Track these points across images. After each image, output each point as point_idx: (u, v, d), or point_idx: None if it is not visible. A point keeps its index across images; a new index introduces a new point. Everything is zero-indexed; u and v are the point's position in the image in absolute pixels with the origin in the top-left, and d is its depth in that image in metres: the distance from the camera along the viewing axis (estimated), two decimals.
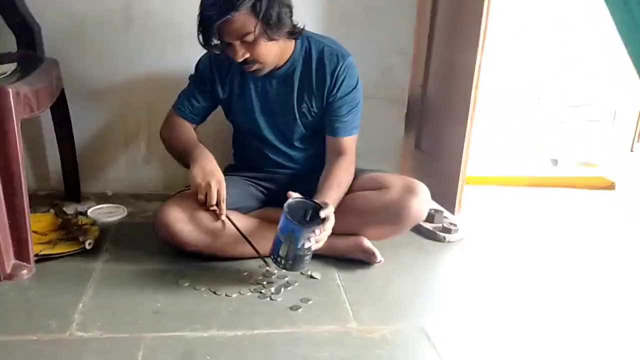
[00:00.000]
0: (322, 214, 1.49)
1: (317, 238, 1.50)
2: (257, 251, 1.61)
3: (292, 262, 1.53)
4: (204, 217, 1.61)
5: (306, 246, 1.50)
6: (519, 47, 6.45)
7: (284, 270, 1.57)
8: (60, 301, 1.45)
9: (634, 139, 2.46)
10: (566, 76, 6.28)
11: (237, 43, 1.50)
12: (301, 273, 1.63)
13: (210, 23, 1.47)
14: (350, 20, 2.13)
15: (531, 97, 6.03)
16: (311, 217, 1.51)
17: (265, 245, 1.59)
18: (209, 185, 1.55)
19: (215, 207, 1.58)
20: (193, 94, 1.76)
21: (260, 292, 1.54)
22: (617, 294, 1.67)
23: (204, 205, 1.58)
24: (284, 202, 1.51)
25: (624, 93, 2.52)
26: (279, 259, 1.53)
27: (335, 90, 1.68)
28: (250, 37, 1.49)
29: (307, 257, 1.54)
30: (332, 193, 1.62)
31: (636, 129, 2.44)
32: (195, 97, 1.75)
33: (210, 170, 1.58)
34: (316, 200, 1.55)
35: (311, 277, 1.63)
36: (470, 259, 1.86)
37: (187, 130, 1.75)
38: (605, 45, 6.02)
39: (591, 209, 2.42)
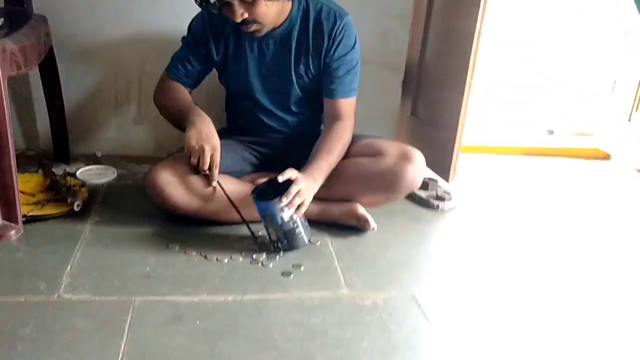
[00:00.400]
0: (280, 178, 1.47)
1: (291, 204, 1.47)
2: (244, 220, 1.59)
3: (287, 240, 1.52)
4: (195, 181, 1.58)
5: (286, 218, 1.48)
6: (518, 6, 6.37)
7: (288, 251, 1.55)
8: (49, 263, 1.43)
9: (632, 109, 2.43)
10: (564, 46, 6.24)
11: (236, 2, 1.46)
12: (309, 242, 1.61)
13: None
14: None
15: (530, 60, 5.99)
16: (282, 191, 1.49)
17: (256, 211, 1.58)
18: (202, 149, 1.52)
19: (207, 172, 1.55)
20: (186, 57, 1.71)
21: (252, 257, 1.53)
22: (609, 266, 1.67)
23: (196, 169, 1.56)
24: (278, 166, 1.50)
25: (623, 63, 2.48)
26: (275, 243, 1.53)
27: (332, 50, 1.64)
28: None
29: (299, 229, 1.52)
30: (320, 161, 1.60)
31: (635, 98, 2.41)
32: (188, 60, 1.70)
33: (206, 134, 1.55)
34: (279, 176, 1.51)
35: (309, 242, 1.61)
36: (463, 228, 1.85)
37: (182, 93, 1.70)
38: (607, 12, 5.97)
39: (585, 178, 2.42)
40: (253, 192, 1.50)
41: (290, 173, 1.50)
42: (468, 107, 1.98)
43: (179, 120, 1.64)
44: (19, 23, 1.67)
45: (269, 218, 1.49)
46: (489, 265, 1.61)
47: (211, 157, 1.53)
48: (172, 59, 1.74)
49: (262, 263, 1.51)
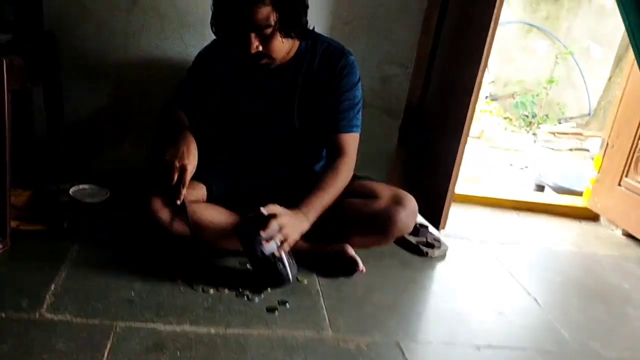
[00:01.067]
0: (264, 211, 1.47)
1: (267, 236, 1.45)
2: (190, 228, 1.56)
3: (269, 276, 1.52)
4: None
5: (267, 253, 1.47)
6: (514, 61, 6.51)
7: (274, 287, 1.54)
8: (33, 280, 1.42)
9: (622, 174, 2.47)
10: (558, 103, 6.37)
11: (253, 34, 1.49)
12: (297, 280, 1.61)
13: (232, 10, 1.47)
14: (354, 26, 2.12)
15: (523, 122, 6.10)
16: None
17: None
18: (173, 164, 1.50)
19: (174, 188, 1.52)
20: (190, 88, 1.73)
21: (238, 290, 1.52)
22: (589, 322, 1.68)
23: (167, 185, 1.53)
24: (273, 201, 1.51)
25: (618, 124, 2.53)
26: (261, 277, 1.53)
27: (336, 87, 1.67)
28: (268, 31, 1.49)
29: (281, 265, 1.51)
30: (313, 199, 1.60)
31: (626, 163, 2.45)
32: (192, 91, 1.73)
33: (182, 153, 1.53)
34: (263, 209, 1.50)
35: (297, 280, 1.62)
36: (451, 276, 1.85)
37: (180, 118, 1.71)
38: (604, 73, 6.13)
39: (573, 237, 2.44)
40: (238, 224, 1.50)
41: (273, 208, 1.49)
42: (463, 156, 2.01)
43: (167, 141, 1.61)
44: (29, 38, 1.69)
45: (248, 251, 1.49)
46: (474, 316, 1.61)
47: (181, 174, 1.51)
48: (176, 89, 1.75)
49: (247, 297, 1.50)
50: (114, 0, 1.98)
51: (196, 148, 1.57)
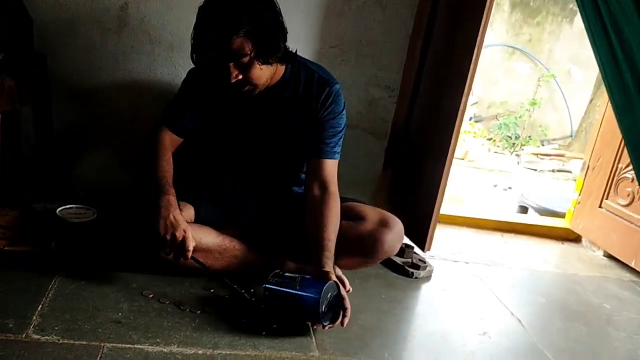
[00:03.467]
0: (345, 320, 1.49)
1: (339, 321, 1.49)
2: (206, 270, 1.60)
3: (271, 308, 1.52)
4: None
5: (324, 323, 1.48)
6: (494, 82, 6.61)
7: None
8: (20, 300, 1.42)
9: (602, 197, 2.52)
10: (541, 125, 6.48)
11: (231, 64, 1.51)
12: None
13: (207, 43, 1.48)
14: (341, 50, 2.16)
15: (506, 143, 6.19)
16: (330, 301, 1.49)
17: (235, 263, 1.62)
18: (174, 236, 1.50)
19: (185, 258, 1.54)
20: (180, 109, 1.71)
21: (225, 311, 1.52)
22: (571, 343, 1.70)
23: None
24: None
25: (599, 147, 2.59)
26: (267, 290, 1.50)
27: (320, 113, 1.69)
28: (245, 59, 1.50)
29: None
30: (333, 244, 1.61)
31: (607, 185, 2.51)
32: (181, 113, 1.71)
33: (171, 222, 1.52)
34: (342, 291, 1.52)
35: None
36: (436, 297, 1.88)
37: (165, 162, 1.66)
38: (585, 95, 6.25)
39: (555, 258, 2.48)
40: (327, 286, 1.47)
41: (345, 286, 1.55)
42: (448, 178, 2.04)
43: (149, 188, 1.61)
44: (19, 60, 1.71)
45: (313, 315, 1.45)
46: (459, 337, 1.63)
47: (184, 239, 1.51)
48: (165, 110, 1.74)
49: (234, 317, 1.50)
50: (104, 21, 2.00)
51: (176, 206, 1.57)
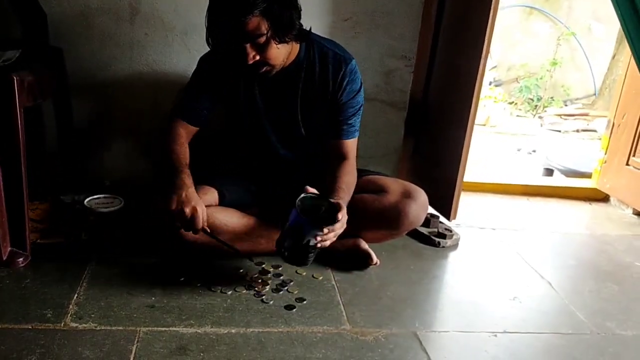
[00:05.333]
0: (339, 215, 1.48)
1: (324, 237, 1.47)
2: (237, 251, 1.61)
3: (295, 256, 1.52)
4: None
5: (311, 243, 1.48)
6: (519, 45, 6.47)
7: (287, 263, 1.55)
8: (56, 291, 1.46)
9: (630, 152, 2.47)
10: (563, 85, 6.35)
11: (248, 45, 1.50)
12: (296, 272, 1.65)
13: (223, 25, 1.47)
14: (354, 23, 2.14)
15: (528, 105, 6.09)
16: (322, 215, 1.50)
17: (263, 243, 1.62)
18: (182, 211, 1.50)
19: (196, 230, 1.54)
20: (195, 95, 1.71)
21: (256, 290, 1.55)
22: (605, 307, 1.69)
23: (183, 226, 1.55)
24: (288, 198, 1.52)
25: (623, 104, 2.53)
26: (283, 250, 1.51)
27: (338, 95, 1.68)
28: (262, 39, 1.48)
29: (311, 255, 1.52)
30: (343, 194, 1.61)
31: (633, 142, 2.46)
32: (197, 98, 1.71)
33: (185, 197, 1.52)
34: (331, 199, 1.53)
35: (313, 277, 1.66)
36: (464, 265, 1.88)
37: (179, 145, 1.67)
38: (607, 52, 6.09)
39: (584, 219, 2.45)
40: (298, 200, 1.48)
41: (342, 213, 1.50)
42: (470, 144, 2.02)
43: (164, 175, 1.62)
44: (36, 54, 1.73)
45: (299, 232, 1.47)
46: (489, 303, 1.63)
47: (193, 215, 1.51)
48: (180, 98, 1.74)
49: (265, 296, 1.53)
50: (117, 12, 2.01)
51: (192, 186, 1.57)
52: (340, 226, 1.49)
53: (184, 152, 1.67)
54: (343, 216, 1.49)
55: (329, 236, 1.48)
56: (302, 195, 1.50)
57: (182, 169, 1.60)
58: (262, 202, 1.82)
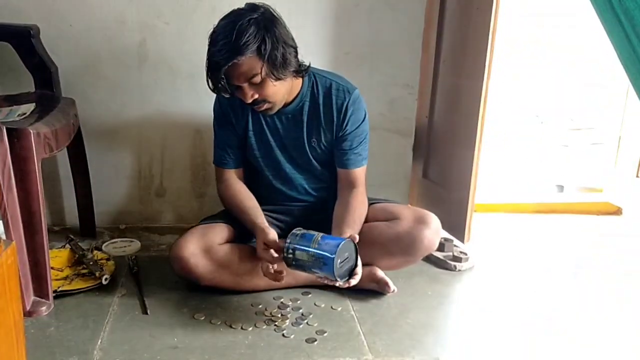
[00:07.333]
0: (358, 269, 1.55)
1: (332, 283, 1.54)
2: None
3: (296, 266, 1.53)
4: (219, 251, 1.65)
5: (319, 276, 1.53)
6: (522, 70, 6.51)
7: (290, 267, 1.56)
8: (80, 337, 1.47)
9: (639, 166, 2.48)
10: (570, 99, 6.35)
11: (245, 85, 1.54)
12: (315, 304, 1.66)
13: (218, 68, 1.51)
14: (356, 55, 2.19)
15: (534, 122, 6.09)
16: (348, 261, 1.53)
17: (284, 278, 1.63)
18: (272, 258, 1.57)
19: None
20: (223, 141, 1.78)
21: (276, 325, 1.56)
22: (624, 321, 1.68)
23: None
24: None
25: (629, 116, 2.55)
26: (290, 253, 1.51)
27: (344, 125, 1.72)
28: (257, 79, 1.53)
29: (310, 274, 1.56)
30: (354, 225, 1.65)
31: None
32: (227, 144, 1.77)
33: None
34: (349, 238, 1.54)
35: (332, 308, 1.67)
36: (482, 288, 1.87)
37: (245, 194, 1.76)
38: (611, 67, 6.10)
39: (598, 234, 2.44)
40: (343, 244, 1.50)
41: (359, 270, 1.58)
42: (479, 165, 2.03)
43: (243, 221, 1.71)
44: (50, 107, 1.77)
45: (318, 265, 1.48)
46: (509, 326, 1.62)
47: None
48: (214, 149, 1.81)
49: (286, 330, 1.54)
50: (125, 59, 2.07)
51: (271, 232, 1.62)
52: (354, 282, 1.56)
53: (252, 201, 1.75)
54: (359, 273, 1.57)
55: (337, 284, 1.55)
56: (346, 240, 1.51)
57: (257, 215, 1.70)
58: (280, 237, 1.83)
